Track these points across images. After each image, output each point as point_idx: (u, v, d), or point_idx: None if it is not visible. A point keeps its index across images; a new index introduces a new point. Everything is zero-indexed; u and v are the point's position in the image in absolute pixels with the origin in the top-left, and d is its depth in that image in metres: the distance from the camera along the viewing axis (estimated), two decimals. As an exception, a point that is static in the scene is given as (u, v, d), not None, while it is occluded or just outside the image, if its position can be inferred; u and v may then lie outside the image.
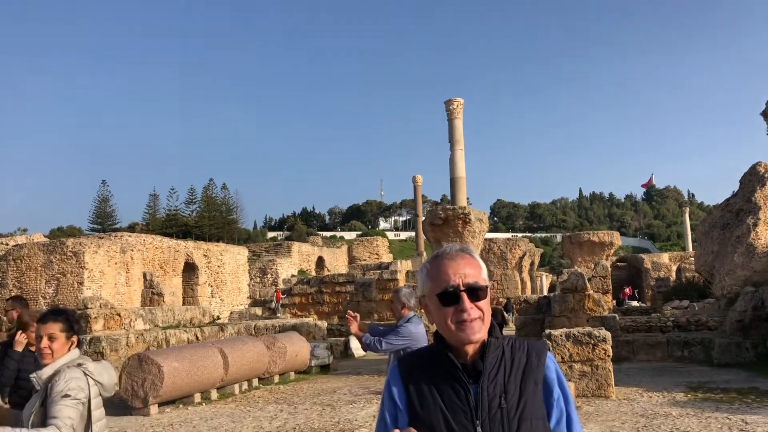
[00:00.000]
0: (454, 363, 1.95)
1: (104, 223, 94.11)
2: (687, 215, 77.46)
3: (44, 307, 25.54)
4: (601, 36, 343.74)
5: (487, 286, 1.99)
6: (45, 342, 3.34)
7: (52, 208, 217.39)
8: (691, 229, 61.02)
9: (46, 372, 3.33)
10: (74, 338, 3.45)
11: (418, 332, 5.93)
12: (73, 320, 3.47)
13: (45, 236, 41.56)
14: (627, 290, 44.81)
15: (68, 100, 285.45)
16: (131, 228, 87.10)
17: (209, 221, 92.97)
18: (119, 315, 18.40)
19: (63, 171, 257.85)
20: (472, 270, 1.97)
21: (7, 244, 33.65)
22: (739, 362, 14.83)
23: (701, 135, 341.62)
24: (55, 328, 3.37)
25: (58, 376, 3.29)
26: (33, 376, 3.34)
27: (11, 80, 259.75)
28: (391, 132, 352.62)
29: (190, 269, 38.72)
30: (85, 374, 3.40)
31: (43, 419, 3.23)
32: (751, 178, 19.81)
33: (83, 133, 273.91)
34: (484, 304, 1.96)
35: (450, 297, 1.94)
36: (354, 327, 5.90)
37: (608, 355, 11.61)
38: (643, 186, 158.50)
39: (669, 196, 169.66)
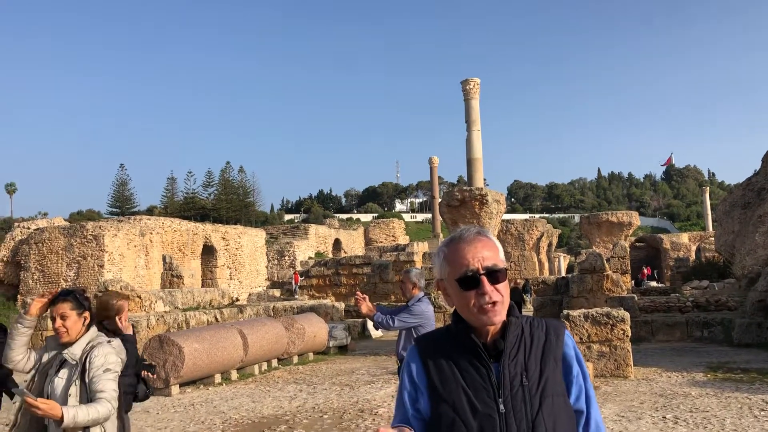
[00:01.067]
0: (475, 342, 1.97)
1: (123, 206, 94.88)
2: (707, 195, 76.64)
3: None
4: (619, 15, 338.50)
5: (505, 268, 2.01)
6: (59, 322, 3.51)
7: (71, 192, 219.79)
8: (712, 209, 60.36)
9: (77, 349, 3.50)
10: (86, 314, 3.61)
11: (429, 311, 6.16)
12: (81, 298, 3.62)
13: (65, 220, 42.09)
14: (646, 270, 44.62)
15: (84, 84, 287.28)
16: (150, 211, 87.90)
17: (227, 204, 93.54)
18: (140, 297, 18.66)
19: (82, 155, 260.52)
20: (490, 252, 1.98)
21: (28, 228, 34.15)
22: (759, 342, 14.73)
23: (722, 113, 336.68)
24: (65, 307, 3.53)
25: (95, 352, 3.46)
26: (65, 353, 3.49)
27: (27, 64, 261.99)
28: (407, 113, 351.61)
29: (208, 252, 39.07)
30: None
31: (86, 394, 3.38)
32: (774, 157, 19.50)
33: (101, 116, 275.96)
34: (503, 286, 1.98)
35: (470, 281, 1.95)
36: (364, 307, 6.00)
37: (627, 336, 11.57)
38: (662, 165, 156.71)
39: (689, 175, 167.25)
